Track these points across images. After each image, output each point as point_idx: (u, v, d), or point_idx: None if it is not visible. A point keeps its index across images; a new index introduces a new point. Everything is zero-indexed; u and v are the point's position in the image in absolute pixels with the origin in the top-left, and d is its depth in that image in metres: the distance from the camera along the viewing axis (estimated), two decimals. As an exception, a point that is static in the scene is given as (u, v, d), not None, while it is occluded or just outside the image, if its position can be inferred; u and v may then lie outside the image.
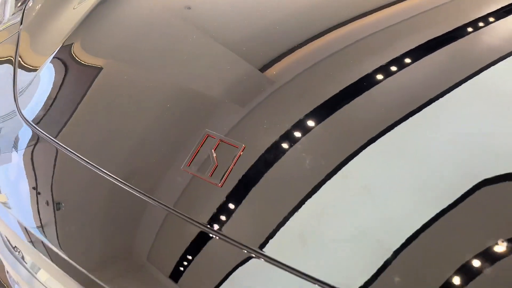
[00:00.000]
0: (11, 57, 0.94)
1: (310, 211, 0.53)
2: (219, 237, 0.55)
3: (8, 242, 0.82)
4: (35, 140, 0.76)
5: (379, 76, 0.64)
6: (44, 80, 0.86)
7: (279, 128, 0.62)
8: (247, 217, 0.56)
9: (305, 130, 0.61)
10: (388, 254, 0.47)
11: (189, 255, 0.57)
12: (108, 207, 0.66)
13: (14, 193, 0.74)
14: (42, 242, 0.67)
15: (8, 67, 0.93)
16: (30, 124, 0.78)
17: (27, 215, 0.70)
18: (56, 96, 0.82)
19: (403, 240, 0.48)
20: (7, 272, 0.91)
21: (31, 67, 0.90)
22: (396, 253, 0.47)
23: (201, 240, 0.57)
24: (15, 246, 0.81)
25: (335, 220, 0.52)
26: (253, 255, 0.52)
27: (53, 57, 0.89)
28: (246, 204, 0.57)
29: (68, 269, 0.63)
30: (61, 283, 0.68)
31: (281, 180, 0.58)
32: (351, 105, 0.61)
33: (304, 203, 0.54)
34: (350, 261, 0.49)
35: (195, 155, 0.63)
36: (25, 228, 0.70)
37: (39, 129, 0.76)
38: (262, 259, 0.52)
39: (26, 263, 0.79)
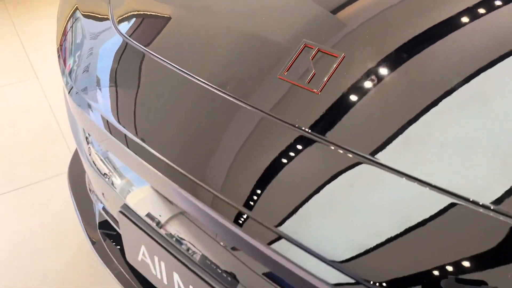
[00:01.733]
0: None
1: (420, 119, 0.52)
2: (322, 142, 0.56)
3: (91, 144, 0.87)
4: (129, 50, 0.79)
5: None
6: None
7: (382, 41, 0.60)
8: (348, 122, 0.56)
9: (412, 48, 0.59)
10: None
11: (285, 159, 0.58)
12: (200, 111, 0.68)
13: (106, 94, 0.78)
14: (125, 135, 0.70)
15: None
16: (124, 35, 0.80)
17: (121, 117, 0.73)
18: (147, 14, 0.84)
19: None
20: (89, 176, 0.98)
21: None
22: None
23: (300, 144, 0.57)
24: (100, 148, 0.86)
25: (448, 124, 0.51)
26: (360, 160, 0.53)
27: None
28: (347, 110, 0.57)
29: (161, 167, 0.66)
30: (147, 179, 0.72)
31: (384, 90, 0.57)
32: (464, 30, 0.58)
33: (412, 110, 0.53)
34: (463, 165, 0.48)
35: (292, 64, 0.62)
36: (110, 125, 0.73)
37: (132, 40, 0.79)
38: (368, 164, 0.52)
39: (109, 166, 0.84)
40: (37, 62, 2.39)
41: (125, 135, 0.70)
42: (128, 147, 0.70)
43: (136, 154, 0.68)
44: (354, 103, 0.57)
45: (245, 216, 0.56)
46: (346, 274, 0.49)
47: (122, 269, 1.02)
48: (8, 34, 2.63)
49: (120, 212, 0.80)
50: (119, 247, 1.06)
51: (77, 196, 1.21)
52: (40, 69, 2.33)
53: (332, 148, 0.55)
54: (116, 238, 1.09)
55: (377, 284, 0.46)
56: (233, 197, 0.58)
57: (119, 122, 0.72)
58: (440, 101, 0.52)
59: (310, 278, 0.51)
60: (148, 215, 0.77)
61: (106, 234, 1.10)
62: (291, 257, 0.52)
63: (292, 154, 0.57)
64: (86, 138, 0.89)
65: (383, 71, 0.58)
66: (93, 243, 1.08)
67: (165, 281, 0.79)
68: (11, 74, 2.29)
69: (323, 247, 0.51)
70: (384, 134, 0.53)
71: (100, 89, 0.79)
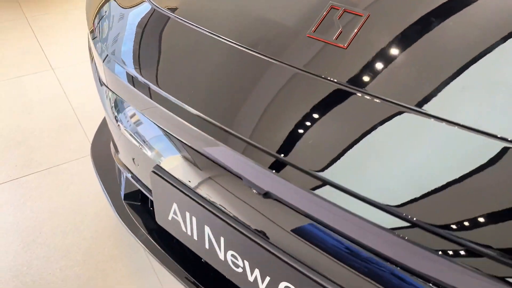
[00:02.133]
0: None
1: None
2: (356, 92, 0.61)
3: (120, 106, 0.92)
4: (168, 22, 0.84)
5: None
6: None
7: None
8: (376, 73, 0.61)
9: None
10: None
11: (319, 109, 0.62)
12: (234, 70, 0.73)
13: (140, 59, 0.83)
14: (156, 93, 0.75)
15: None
16: (154, 4, 0.86)
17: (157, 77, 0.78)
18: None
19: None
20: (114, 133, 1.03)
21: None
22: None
23: (332, 94, 0.62)
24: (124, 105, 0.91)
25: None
26: (392, 106, 0.57)
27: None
28: (374, 62, 0.62)
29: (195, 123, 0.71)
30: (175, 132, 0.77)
31: (408, 43, 0.61)
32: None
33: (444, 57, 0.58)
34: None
35: (320, 23, 0.68)
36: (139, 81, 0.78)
37: (163, 9, 0.84)
38: (408, 113, 0.57)
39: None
40: (52, 54, 2.45)
41: (162, 95, 0.75)
42: (165, 107, 0.75)
43: (173, 112, 0.73)
44: (380, 55, 0.62)
45: (291, 164, 0.60)
46: (402, 218, 0.50)
47: (148, 236, 1.06)
48: (22, 29, 2.69)
49: (153, 171, 0.84)
50: (144, 215, 1.11)
51: (100, 172, 1.26)
52: (54, 61, 2.39)
53: (364, 96, 0.60)
54: (140, 208, 1.14)
55: (434, 225, 0.48)
56: (272, 145, 0.62)
57: (157, 84, 0.77)
58: (469, 47, 0.57)
59: (361, 224, 0.53)
60: (180, 172, 0.81)
61: (130, 205, 1.15)
62: (339, 203, 0.55)
63: (325, 104, 0.62)
64: (117, 105, 0.94)
65: (406, 26, 0.63)
66: (119, 213, 1.12)
67: (195, 237, 0.84)
68: (27, 65, 2.34)
69: (374, 192, 0.53)
70: (414, 82, 0.58)
71: (134, 54, 0.84)
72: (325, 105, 0.62)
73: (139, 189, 1.16)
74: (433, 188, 0.50)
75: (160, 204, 0.89)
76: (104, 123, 1.46)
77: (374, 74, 0.61)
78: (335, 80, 0.62)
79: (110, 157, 1.29)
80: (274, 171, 0.61)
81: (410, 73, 0.59)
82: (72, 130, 1.91)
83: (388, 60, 0.61)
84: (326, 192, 0.57)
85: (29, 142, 1.84)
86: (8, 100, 2.08)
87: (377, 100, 0.58)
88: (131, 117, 0.90)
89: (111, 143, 1.17)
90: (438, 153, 0.53)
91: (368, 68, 0.62)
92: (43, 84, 2.21)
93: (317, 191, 0.57)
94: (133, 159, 0.95)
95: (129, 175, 1.03)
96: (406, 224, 0.51)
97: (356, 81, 0.61)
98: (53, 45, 2.55)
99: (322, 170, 0.57)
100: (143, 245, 1.05)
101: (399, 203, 0.51)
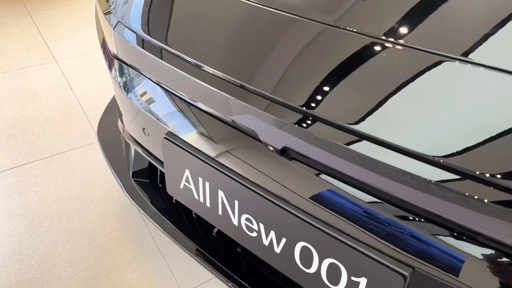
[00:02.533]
0: None
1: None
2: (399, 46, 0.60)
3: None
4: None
5: None
6: None
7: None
8: (398, 19, 0.60)
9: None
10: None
11: (346, 66, 0.61)
12: (256, 29, 0.72)
13: (153, 22, 0.82)
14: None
15: None
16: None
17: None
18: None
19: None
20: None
21: None
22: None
23: (360, 46, 0.61)
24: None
25: None
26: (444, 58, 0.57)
27: None
28: (391, 8, 0.61)
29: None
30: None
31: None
32: None
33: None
34: None
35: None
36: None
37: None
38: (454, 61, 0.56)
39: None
40: (55, 47, 2.45)
41: (178, 55, 0.75)
42: (178, 67, 0.74)
43: (186, 72, 0.73)
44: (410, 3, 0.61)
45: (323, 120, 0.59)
46: (449, 169, 0.48)
47: (157, 211, 1.05)
48: (25, 23, 2.69)
49: (165, 138, 0.83)
50: (153, 191, 1.10)
51: (107, 151, 1.25)
52: (58, 54, 2.38)
53: (394, 46, 0.59)
54: (149, 185, 1.13)
55: (484, 174, 0.47)
56: (299, 100, 0.61)
57: (169, 44, 0.76)
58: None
59: (404, 178, 0.51)
60: (193, 136, 0.80)
61: (138, 183, 1.13)
62: (378, 157, 0.53)
63: (355, 56, 0.61)
64: (127, 75, 0.94)
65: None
66: (127, 190, 1.11)
67: (208, 204, 0.83)
68: (31, 58, 2.34)
69: (415, 144, 0.51)
70: (454, 31, 0.57)
71: (143, 17, 0.83)
72: (352, 57, 0.61)
73: (147, 167, 1.15)
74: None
75: (172, 172, 0.88)
76: (110, 106, 1.45)
77: (410, 23, 0.60)
78: (363, 32, 0.61)
79: (117, 138, 1.29)
80: (302, 125, 0.59)
81: (450, 20, 0.58)
82: (77, 119, 1.90)
83: (421, 9, 0.61)
84: (359, 146, 0.55)
85: (34, 130, 1.83)
86: (12, 90, 2.07)
87: (417, 51, 0.57)
88: (142, 86, 0.90)
89: (119, 120, 1.16)
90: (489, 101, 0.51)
91: (403, 18, 0.61)
92: (47, 75, 2.20)
93: (351, 146, 0.55)
94: (143, 129, 0.94)
95: (139, 150, 1.02)
96: (454, 176, 0.48)
97: (387, 31, 0.60)
98: (56, 38, 2.54)
99: (357, 123, 0.55)
100: (152, 221, 1.04)
101: (443, 154, 0.49)
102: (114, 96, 1.39)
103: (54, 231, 1.40)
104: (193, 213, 1.03)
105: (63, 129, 1.84)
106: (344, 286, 0.67)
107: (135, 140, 1.03)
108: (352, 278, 0.65)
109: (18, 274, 1.27)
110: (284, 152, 0.67)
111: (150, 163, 1.11)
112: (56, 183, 1.58)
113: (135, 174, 1.15)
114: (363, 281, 0.64)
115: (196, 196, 0.85)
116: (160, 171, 1.10)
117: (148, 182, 1.13)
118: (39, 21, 2.74)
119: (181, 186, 0.87)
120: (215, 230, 0.98)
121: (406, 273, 0.57)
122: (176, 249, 1.36)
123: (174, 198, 1.06)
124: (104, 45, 1.05)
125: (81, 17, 2.82)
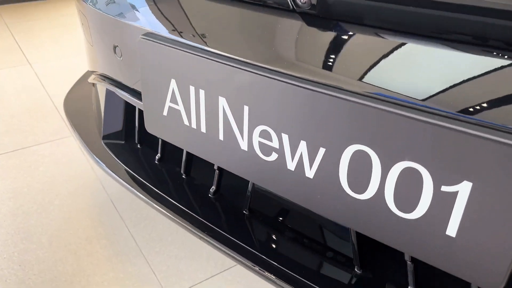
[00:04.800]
0: None
1: None
2: None
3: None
4: None
5: None
6: None
7: None
8: None
9: None
10: None
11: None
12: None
13: None
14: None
15: None
16: None
17: None
18: None
19: None
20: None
21: None
22: None
23: None
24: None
25: None
26: None
27: None
28: None
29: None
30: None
31: None
32: None
33: None
34: None
35: None
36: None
37: None
38: None
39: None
40: (30, 52, 2.25)
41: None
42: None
43: None
44: None
45: None
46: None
47: (132, 172, 0.79)
48: (1, 32, 2.51)
49: (143, 38, 0.60)
50: (130, 153, 0.85)
51: (72, 118, 1.01)
52: (32, 57, 2.18)
53: None
54: (125, 146, 0.87)
55: None
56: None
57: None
58: None
59: None
60: (181, 28, 0.57)
61: (110, 145, 0.88)
62: None
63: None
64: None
65: None
66: (95, 152, 0.85)
67: (203, 128, 0.58)
68: (3, 61, 2.13)
69: None
70: None
71: None
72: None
73: (121, 129, 0.90)
74: None
75: (152, 94, 0.63)
76: (77, 83, 1.23)
77: None
78: None
79: (84, 109, 1.06)
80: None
81: None
82: (48, 116, 1.66)
83: None
84: None
85: (2, 125, 1.57)
86: (-23, 91, 1.83)
87: None
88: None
89: (92, 75, 0.93)
90: None
91: None
92: (21, 76, 1.99)
93: None
94: (115, 48, 0.70)
95: (114, 89, 0.77)
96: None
97: None
98: (31, 44, 2.36)
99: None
100: (127, 184, 0.77)
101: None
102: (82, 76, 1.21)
103: (6, 230, 1.11)
104: (181, 173, 0.77)
105: (30, 125, 1.59)
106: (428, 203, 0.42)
107: (108, 78, 0.79)
108: (443, 188, 0.40)
109: (-48, 281, 0.96)
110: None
111: (125, 122, 0.87)
112: (14, 178, 1.30)
113: (107, 137, 0.90)
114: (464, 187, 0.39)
115: (186, 121, 0.60)
116: (139, 125, 0.85)
117: (124, 144, 0.88)
118: (15, 30, 2.56)
119: (165, 112, 0.62)
120: (211, 189, 0.72)
121: None
122: (159, 247, 1.07)
123: (156, 157, 0.81)
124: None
125: (63, 26, 2.66)
